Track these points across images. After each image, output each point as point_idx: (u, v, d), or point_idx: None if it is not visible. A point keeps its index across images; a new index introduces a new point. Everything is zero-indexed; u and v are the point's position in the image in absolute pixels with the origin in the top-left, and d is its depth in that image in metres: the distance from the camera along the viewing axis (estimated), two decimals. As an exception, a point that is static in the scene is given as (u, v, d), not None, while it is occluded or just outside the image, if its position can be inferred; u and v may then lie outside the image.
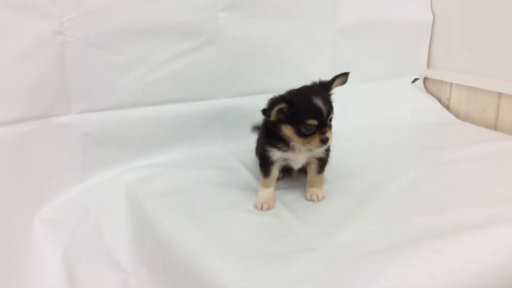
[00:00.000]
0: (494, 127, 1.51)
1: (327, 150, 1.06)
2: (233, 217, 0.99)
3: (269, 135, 1.02)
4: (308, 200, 1.05)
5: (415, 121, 1.60)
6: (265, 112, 0.94)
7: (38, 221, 1.10)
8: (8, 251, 1.06)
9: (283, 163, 1.06)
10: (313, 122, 0.93)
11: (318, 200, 1.04)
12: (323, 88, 0.99)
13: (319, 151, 1.03)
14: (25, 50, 1.05)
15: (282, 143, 1.00)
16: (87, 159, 1.19)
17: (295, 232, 0.93)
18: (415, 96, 1.70)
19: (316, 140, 0.94)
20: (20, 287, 1.03)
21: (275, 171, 1.05)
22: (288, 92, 0.98)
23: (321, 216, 0.99)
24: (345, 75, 1.02)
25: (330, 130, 0.96)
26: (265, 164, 1.04)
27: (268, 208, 1.02)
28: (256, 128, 1.03)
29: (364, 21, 1.58)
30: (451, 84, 1.65)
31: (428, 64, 1.72)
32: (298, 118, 0.94)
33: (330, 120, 0.96)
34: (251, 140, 1.21)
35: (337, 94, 1.48)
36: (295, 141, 0.97)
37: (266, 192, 1.04)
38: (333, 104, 0.98)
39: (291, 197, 1.08)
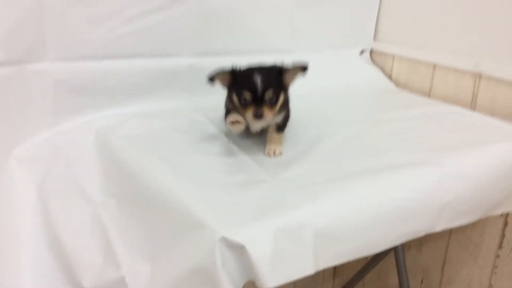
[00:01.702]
0: (429, 94, 1.70)
1: (285, 117, 1.14)
2: (196, 157, 1.12)
3: (228, 102, 1.13)
4: (265, 155, 1.13)
5: (360, 88, 1.76)
6: (211, 78, 1.05)
7: (13, 159, 1.19)
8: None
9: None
10: (247, 94, 1.03)
11: (274, 155, 1.11)
12: (276, 72, 1.08)
13: (274, 120, 1.11)
14: (5, -2, 1.13)
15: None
16: (59, 105, 1.28)
17: (250, 170, 1.06)
18: (361, 66, 1.87)
19: (250, 113, 1.04)
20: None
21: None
22: (238, 66, 1.08)
23: (273, 159, 1.12)
24: (302, 67, 1.09)
25: (270, 107, 1.05)
26: (226, 112, 1.15)
27: (238, 122, 1.08)
28: (210, 79, 1.08)
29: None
30: (393, 56, 1.83)
31: (375, 37, 1.89)
32: (238, 89, 1.05)
33: (270, 98, 1.04)
34: (213, 97, 1.32)
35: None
36: (239, 110, 1.07)
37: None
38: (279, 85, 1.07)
39: (252, 147, 1.18)
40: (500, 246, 1.47)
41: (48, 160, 1.20)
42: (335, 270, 2.07)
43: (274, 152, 1.11)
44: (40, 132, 1.25)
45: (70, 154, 1.21)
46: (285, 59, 1.38)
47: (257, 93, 1.03)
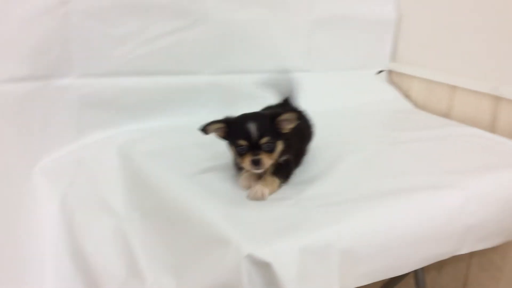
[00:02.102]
0: (447, 116, 1.70)
1: (286, 160, 1.07)
2: (217, 173, 1.12)
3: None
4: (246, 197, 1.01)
5: (378, 108, 1.76)
6: (203, 129, 1.03)
7: (37, 171, 1.21)
8: (11, 197, 1.16)
9: None
10: (242, 142, 1.00)
11: (253, 198, 0.99)
12: (269, 118, 1.03)
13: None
14: (32, 17, 1.15)
15: None
16: (83, 119, 1.30)
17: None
18: (379, 86, 1.87)
19: (247, 160, 0.99)
20: (20, 229, 1.14)
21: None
22: (231, 116, 1.05)
23: (294, 177, 1.12)
24: (297, 113, 1.06)
25: (267, 153, 1.00)
26: (238, 168, 1.10)
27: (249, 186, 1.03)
28: (203, 130, 1.04)
29: (337, 16, 1.74)
30: (411, 77, 1.83)
31: (393, 58, 1.90)
32: (233, 138, 1.03)
33: (266, 144, 1.00)
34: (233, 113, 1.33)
35: (312, 82, 1.66)
36: (238, 160, 1.03)
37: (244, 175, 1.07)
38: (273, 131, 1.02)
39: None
40: (523, 270, 1.45)
41: (71, 173, 1.21)
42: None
43: (256, 194, 0.99)
44: (64, 146, 1.26)
45: (93, 168, 1.23)
46: (303, 78, 1.41)
47: (252, 141, 1.00)
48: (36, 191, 1.18)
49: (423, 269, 1.43)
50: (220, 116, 1.06)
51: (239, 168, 1.09)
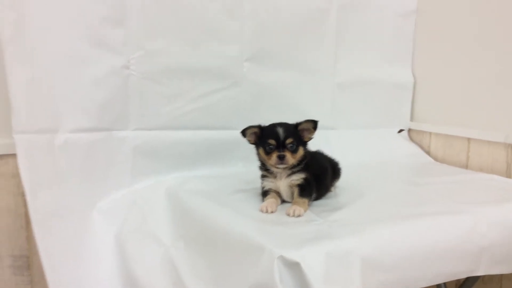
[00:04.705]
0: (466, 166, 1.83)
1: (305, 179, 1.24)
2: (251, 203, 1.28)
3: (260, 167, 1.31)
4: (286, 215, 1.18)
5: (400, 162, 1.90)
6: (243, 132, 1.27)
7: (96, 210, 1.39)
8: (72, 233, 1.34)
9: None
10: (271, 141, 1.23)
11: (292, 215, 1.16)
12: (293, 126, 1.26)
13: (296, 178, 1.24)
14: (100, 77, 1.40)
15: (268, 172, 1.28)
16: (136, 167, 1.50)
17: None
18: (401, 143, 2.02)
19: (274, 156, 1.21)
20: (81, 257, 1.30)
21: (272, 196, 1.27)
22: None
23: (320, 206, 1.26)
24: (313, 122, 1.26)
25: (290, 152, 1.21)
26: (263, 193, 1.30)
27: (272, 211, 1.20)
28: (242, 132, 1.28)
29: (358, 79, 1.95)
30: (430, 133, 1.99)
31: (412, 117, 2.07)
32: (264, 139, 1.25)
33: (290, 145, 1.22)
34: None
35: (337, 138, 1.84)
36: (265, 159, 1.25)
37: (268, 200, 1.25)
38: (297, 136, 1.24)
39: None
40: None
41: (125, 212, 1.39)
42: None
43: (294, 212, 1.17)
44: (120, 189, 1.45)
45: (144, 207, 1.40)
46: (328, 134, 1.58)
47: (279, 140, 1.22)
48: (95, 226, 1.36)
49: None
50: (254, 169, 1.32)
51: (263, 193, 1.29)
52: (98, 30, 1.38)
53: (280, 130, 1.23)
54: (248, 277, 0.98)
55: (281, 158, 1.21)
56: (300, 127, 1.26)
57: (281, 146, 1.22)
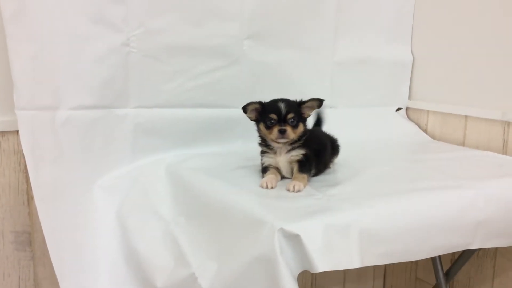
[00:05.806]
0: (463, 144, 1.85)
1: (305, 155, 1.25)
2: (251, 178, 1.30)
3: (260, 143, 1.33)
4: (286, 190, 1.20)
5: (398, 140, 1.91)
6: (244, 108, 1.28)
7: (97, 187, 1.41)
8: (74, 209, 1.36)
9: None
10: (272, 116, 1.24)
11: (292, 190, 1.18)
12: (296, 103, 1.28)
13: (295, 154, 1.25)
14: (101, 54, 1.39)
15: (267, 148, 1.30)
16: (137, 144, 1.51)
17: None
18: (398, 122, 2.04)
19: (275, 130, 1.22)
20: (82, 231, 1.33)
21: (271, 172, 1.28)
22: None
23: (319, 181, 1.29)
24: (319, 100, 1.28)
25: (291, 127, 1.22)
26: (262, 169, 1.31)
27: (272, 187, 1.21)
28: (243, 108, 1.27)
29: (357, 58, 1.95)
30: (427, 111, 2.00)
31: (409, 96, 2.08)
32: (265, 114, 1.26)
33: (291, 120, 1.23)
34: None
35: (338, 117, 1.85)
36: (266, 134, 1.26)
37: (268, 176, 1.26)
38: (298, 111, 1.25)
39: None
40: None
41: (126, 188, 1.41)
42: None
43: (294, 187, 1.18)
44: (120, 166, 1.47)
45: (145, 183, 1.42)
46: (327, 113, 1.59)
47: (281, 115, 1.23)
48: (96, 202, 1.38)
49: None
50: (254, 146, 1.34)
51: (263, 170, 1.30)
52: (99, 6, 1.37)
53: (282, 105, 1.24)
54: (249, 250, 1.00)
55: (282, 133, 1.22)
56: (305, 105, 1.27)
57: (282, 120, 1.23)
